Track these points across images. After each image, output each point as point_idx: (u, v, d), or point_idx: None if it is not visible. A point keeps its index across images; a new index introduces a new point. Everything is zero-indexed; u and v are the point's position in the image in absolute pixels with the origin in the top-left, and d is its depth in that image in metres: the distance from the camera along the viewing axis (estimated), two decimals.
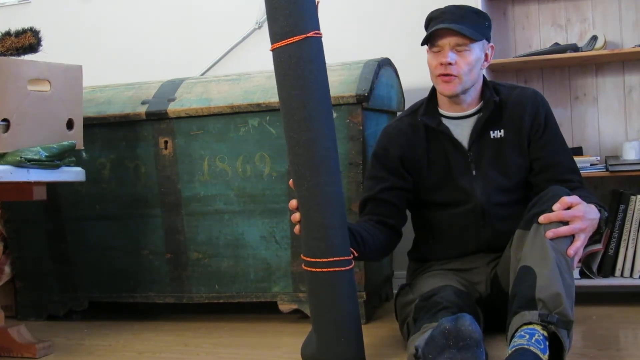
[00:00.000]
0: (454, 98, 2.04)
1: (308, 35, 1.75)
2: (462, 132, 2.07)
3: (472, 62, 1.98)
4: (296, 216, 1.81)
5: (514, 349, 1.54)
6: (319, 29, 1.78)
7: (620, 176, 2.53)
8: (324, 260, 1.76)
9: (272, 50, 1.78)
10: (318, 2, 1.81)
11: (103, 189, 2.61)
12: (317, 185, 1.75)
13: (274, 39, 1.77)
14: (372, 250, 1.97)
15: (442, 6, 2.04)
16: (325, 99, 1.78)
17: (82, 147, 2.30)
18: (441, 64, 1.98)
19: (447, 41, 1.97)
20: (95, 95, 2.71)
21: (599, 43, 2.58)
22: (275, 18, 1.76)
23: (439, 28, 1.96)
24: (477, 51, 1.99)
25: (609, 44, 2.65)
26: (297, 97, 1.75)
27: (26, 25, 2.33)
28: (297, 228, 1.83)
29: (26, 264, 2.72)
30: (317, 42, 1.78)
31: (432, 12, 2.05)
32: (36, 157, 2.03)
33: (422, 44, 2.03)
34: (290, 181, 1.82)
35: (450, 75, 1.98)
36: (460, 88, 2.00)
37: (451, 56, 1.97)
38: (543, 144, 2.04)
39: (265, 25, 3.09)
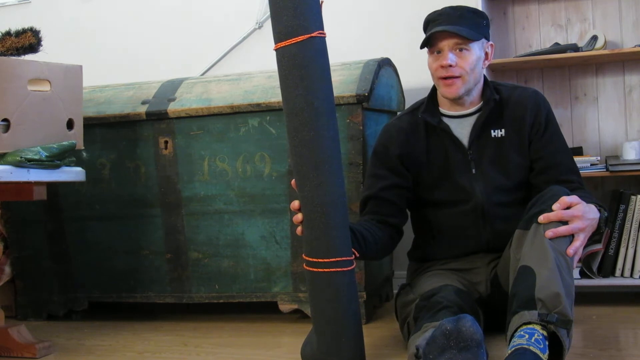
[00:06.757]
0: (457, 99, 2.03)
1: (312, 35, 1.75)
2: (462, 130, 2.07)
3: (473, 62, 1.98)
4: (298, 217, 1.80)
5: (513, 348, 1.54)
6: (323, 29, 1.78)
7: (620, 176, 2.53)
8: (325, 260, 1.75)
9: (276, 49, 1.77)
10: (322, 2, 1.80)
11: (103, 189, 2.61)
12: (320, 185, 1.75)
13: (277, 38, 1.77)
14: (373, 249, 1.97)
15: (442, 6, 2.04)
16: (328, 99, 1.78)
17: (82, 147, 2.30)
18: (442, 67, 1.98)
19: (446, 43, 1.97)
20: (95, 95, 2.71)
21: (599, 43, 2.58)
22: (280, 17, 1.76)
23: (436, 31, 1.96)
24: (476, 51, 2.00)
25: (609, 44, 2.65)
26: (301, 97, 1.74)
27: (26, 25, 2.33)
28: (299, 229, 1.82)
29: (26, 264, 2.72)
30: (321, 42, 1.77)
31: (430, 15, 2.05)
32: (36, 157, 2.03)
33: (421, 47, 2.03)
34: (292, 181, 1.82)
35: (452, 77, 1.98)
36: (463, 90, 2.00)
37: (451, 58, 1.97)
38: (543, 144, 2.04)
39: (265, 25, 3.10)
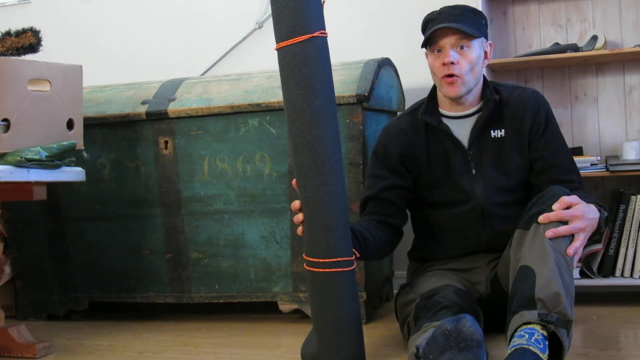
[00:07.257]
0: (458, 99, 2.03)
1: (314, 34, 1.74)
2: (462, 131, 2.07)
3: (474, 60, 1.98)
4: (299, 217, 1.80)
5: (513, 348, 1.54)
6: (324, 29, 1.78)
7: (620, 176, 2.53)
8: (326, 260, 1.75)
9: (277, 49, 1.77)
10: (324, 2, 1.80)
11: (103, 189, 2.61)
12: (321, 185, 1.75)
13: (279, 37, 1.77)
14: (373, 250, 1.97)
15: (442, 6, 2.04)
16: (330, 99, 1.78)
17: (82, 147, 2.30)
18: (444, 64, 1.98)
19: (447, 40, 1.97)
20: (95, 95, 2.71)
21: (599, 43, 2.58)
22: (281, 17, 1.75)
23: (439, 28, 1.96)
24: (477, 48, 2.00)
25: (609, 44, 2.65)
26: (302, 97, 1.74)
27: (26, 25, 2.33)
28: (300, 229, 1.82)
29: (26, 264, 2.72)
30: (323, 42, 1.77)
31: (429, 15, 2.04)
32: (36, 157, 2.03)
33: (423, 46, 2.03)
34: (293, 181, 1.82)
35: (454, 75, 1.97)
36: (465, 89, 2.00)
37: (453, 55, 1.97)
38: (543, 144, 2.04)
39: (265, 26, 3.10)
